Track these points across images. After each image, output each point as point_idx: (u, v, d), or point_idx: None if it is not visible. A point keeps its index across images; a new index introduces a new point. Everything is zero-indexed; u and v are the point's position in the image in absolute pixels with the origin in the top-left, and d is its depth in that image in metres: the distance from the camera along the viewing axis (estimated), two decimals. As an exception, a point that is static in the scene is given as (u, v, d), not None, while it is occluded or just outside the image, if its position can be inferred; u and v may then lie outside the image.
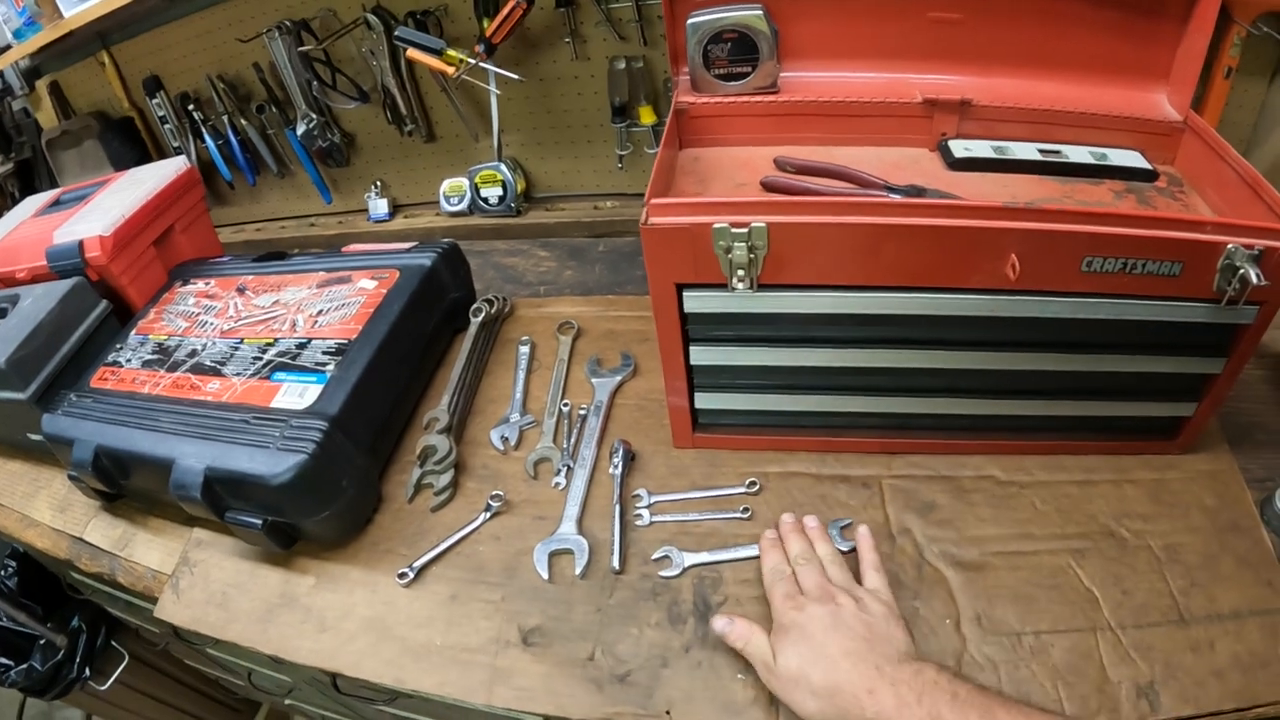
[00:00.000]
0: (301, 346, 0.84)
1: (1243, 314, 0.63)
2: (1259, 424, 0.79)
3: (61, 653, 1.35)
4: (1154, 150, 0.78)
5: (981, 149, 0.78)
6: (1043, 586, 0.68)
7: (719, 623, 0.65)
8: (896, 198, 0.73)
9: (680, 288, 0.67)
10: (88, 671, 1.38)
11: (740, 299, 0.66)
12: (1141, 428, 0.76)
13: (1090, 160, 0.77)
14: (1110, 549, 0.70)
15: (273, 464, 0.72)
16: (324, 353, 0.83)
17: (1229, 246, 0.58)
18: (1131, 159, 0.77)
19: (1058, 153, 0.77)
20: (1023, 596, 0.68)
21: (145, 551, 0.86)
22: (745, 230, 0.61)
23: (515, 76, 1.05)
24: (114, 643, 1.44)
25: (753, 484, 0.80)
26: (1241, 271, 0.57)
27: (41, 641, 1.35)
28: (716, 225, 0.61)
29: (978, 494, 0.76)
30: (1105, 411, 0.74)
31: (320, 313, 0.89)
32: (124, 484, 0.84)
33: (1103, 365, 0.69)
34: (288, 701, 1.33)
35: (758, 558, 0.72)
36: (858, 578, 0.68)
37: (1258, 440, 0.78)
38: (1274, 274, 0.58)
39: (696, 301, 0.68)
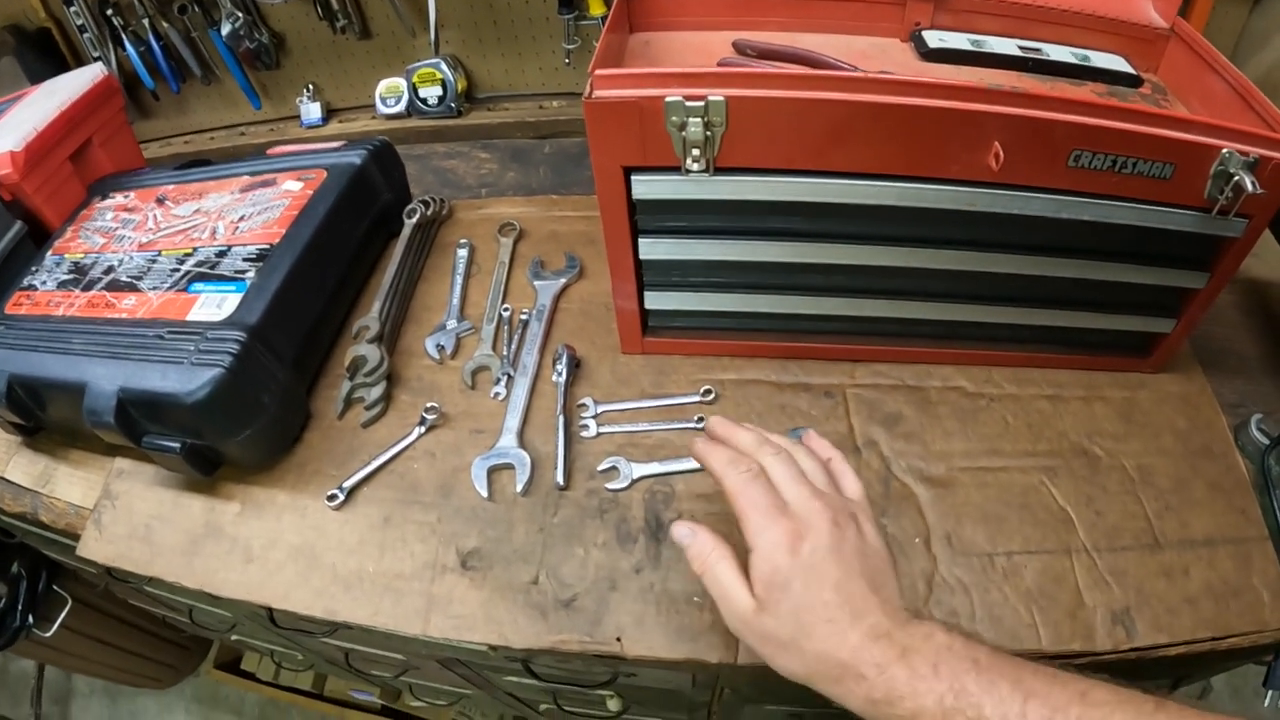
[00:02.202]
0: (221, 255, 0.77)
1: (1232, 226, 0.61)
2: (1230, 349, 0.78)
3: (3, 601, 1.29)
4: (1137, 57, 0.74)
5: (958, 41, 0.73)
6: (1013, 505, 0.66)
7: (680, 530, 0.52)
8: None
9: (628, 171, 0.62)
10: (31, 619, 1.33)
11: (695, 183, 0.61)
12: (1116, 343, 0.74)
13: (1073, 60, 0.72)
14: (1081, 468, 0.69)
15: (186, 380, 0.66)
16: (244, 260, 0.76)
17: (1224, 151, 0.55)
18: (1115, 63, 0.73)
19: (1038, 50, 0.73)
20: (993, 515, 0.66)
21: (67, 486, 0.80)
22: (702, 104, 0.55)
23: (452, -42, 0.96)
24: (56, 587, 1.38)
25: (708, 391, 0.75)
26: (1236, 178, 0.55)
27: (-19, 592, 1.28)
28: (669, 99, 0.55)
29: (944, 406, 0.73)
30: (1081, 323, 0.72)
31: (242, 218, 0.81)
32: (41, 415, 0.78)
33: (1082, 272, 0.66)
34: (234, 638, 1.30)
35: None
36: None
37: (1230, 366, 0.77)
38: (1269, 183, 0.55)
39: (646, 186, 0.62)
